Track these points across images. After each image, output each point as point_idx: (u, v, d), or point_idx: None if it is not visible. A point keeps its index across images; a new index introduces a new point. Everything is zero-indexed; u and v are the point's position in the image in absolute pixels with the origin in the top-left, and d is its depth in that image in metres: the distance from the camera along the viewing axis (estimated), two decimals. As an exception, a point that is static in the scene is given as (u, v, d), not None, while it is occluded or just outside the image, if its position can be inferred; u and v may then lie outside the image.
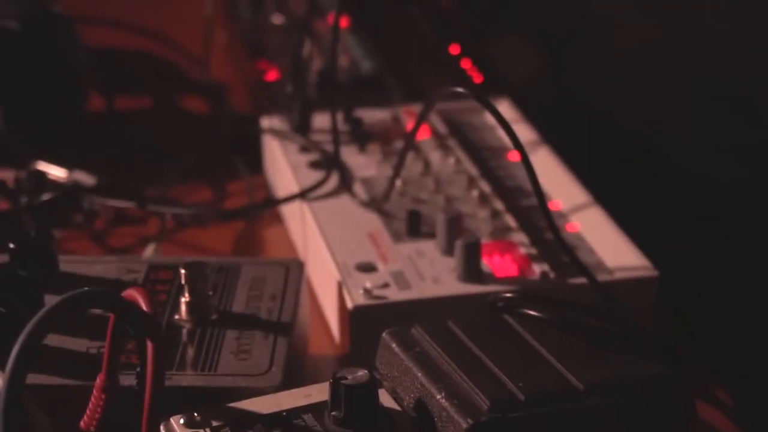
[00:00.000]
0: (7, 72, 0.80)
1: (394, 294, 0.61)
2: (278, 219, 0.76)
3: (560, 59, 0.96)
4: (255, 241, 0.74)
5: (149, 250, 0.69)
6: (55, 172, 0.77)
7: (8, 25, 0.80)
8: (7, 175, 0.77)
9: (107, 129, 0.86)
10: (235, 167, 0.81)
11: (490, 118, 0.80)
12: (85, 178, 0.76)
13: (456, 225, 0.64)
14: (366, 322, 0.60)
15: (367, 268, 0.63)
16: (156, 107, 0.91)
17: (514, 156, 0.75)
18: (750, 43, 0.75)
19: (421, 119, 0.66)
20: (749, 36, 0.75)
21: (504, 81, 0.89)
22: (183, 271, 0.56)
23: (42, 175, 0.76)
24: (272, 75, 0.86)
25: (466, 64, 0.89)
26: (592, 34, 0.93)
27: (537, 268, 0.64)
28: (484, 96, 0.62)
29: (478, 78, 0.87)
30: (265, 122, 0.79)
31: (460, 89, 0.62)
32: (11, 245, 0.59)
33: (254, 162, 0.81)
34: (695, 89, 0.80)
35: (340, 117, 0.78)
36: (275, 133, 0.77)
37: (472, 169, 0.74)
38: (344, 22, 0.92)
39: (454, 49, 0.91)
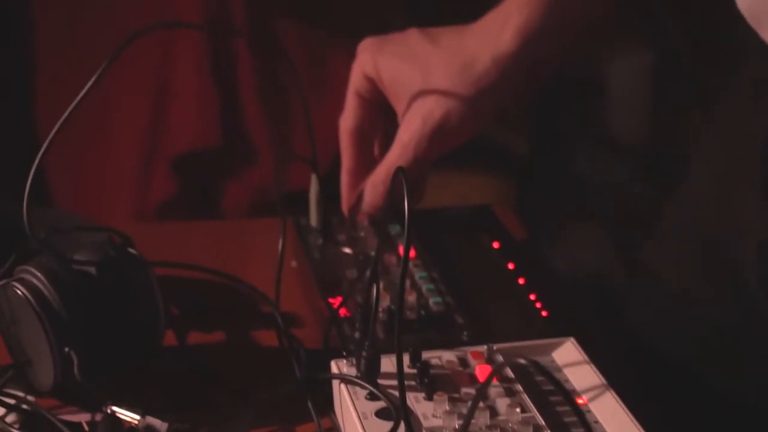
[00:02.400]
0: (83, 318, 0.82)
1: None
2: (348, 464, 0.76)
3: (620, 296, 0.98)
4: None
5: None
6: (128, 416, 0.78)
7: (86, 271, 0.83)
8: (82, 418, 0.79)
9: (180, 366, 0.88)
10: (306, 408, 0.82)
11: (557, 358, 0.81)
12: (158, 424, 0.77)
13: (522, 487, 0.65)
14: None
15: None
16: (228, 342, 0.93)
17: (582, 400, 0.76)
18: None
19: (488, 383, 0.67)
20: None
21: (572, 312, 0.90)
22: None
23: (117, 421, 0.78)
24: (343, 311, 0.87)
25: (532, 296, 0.90)
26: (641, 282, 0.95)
27: None
28: (538, 363, 0.63)
29: (544, 312, 0.88)
30: (335, 366, 0.80)
31: (522, 360, 0.63)
32: None
33: (326, 402, 0.82)
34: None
35: (407, 358, 0.79)
36: (344, 378, 0.78)
37: (539, 418, 0.74)
38: (412, 253, 0.94)
39: (521, 281, 0.92)
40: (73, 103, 0.83)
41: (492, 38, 0.94)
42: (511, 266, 0.95)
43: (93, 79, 0.82)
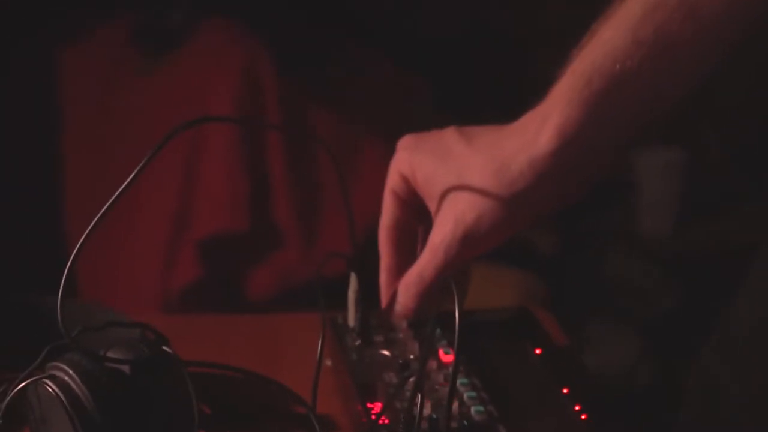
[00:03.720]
0: (115, 418, 0.80)
1: None
2: None
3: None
4: None
5: None
6: None
7: (119, 369, 0.81)
8: None
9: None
10: None
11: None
12: None
13: None
14: None
15: None
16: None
17: None
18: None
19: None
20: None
21: (618, 424, 0.87)
22: None
23: None
24: (382, 418, 0.84)
25: (577, 406, 0.87)
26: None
27: None
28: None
29: (584, 415, 0.85)
30: (374, 477, 0.77)
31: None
32: None
33: None
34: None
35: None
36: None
37: None
38: (453, 358, 0.91)
39: (565, 390, 0.89)
40: (107, 205, 0.81)
41: (529, 139, 0.90)
42: (553, 373, 0.92)
43: (127, 181, 0.81)
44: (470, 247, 0.92)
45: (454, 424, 0.84)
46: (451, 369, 0.89)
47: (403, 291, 0.96)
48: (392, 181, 0.97)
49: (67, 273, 0.82)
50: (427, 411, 0.83)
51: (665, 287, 1.34)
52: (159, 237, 1.71)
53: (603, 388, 0.99)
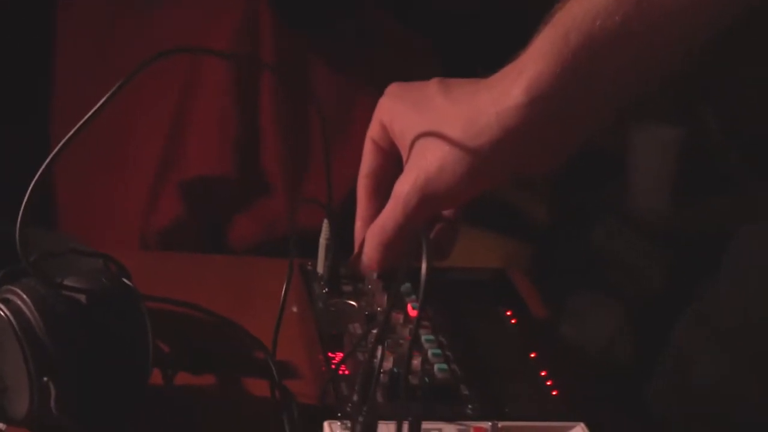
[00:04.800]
0: (66, 347, 0.77)
1: None
2: None
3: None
4: None
5: None
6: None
7: (75, 298, 0.78)
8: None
9: (166, 408, 0.83)
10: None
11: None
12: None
13: None
14: None
15: None
16: (217, 388, 0.88)
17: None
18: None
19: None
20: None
21: (584, 394, 0.85)
22: None
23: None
24: (342, 368, 0.82)
25: (543, 372, 0.85)
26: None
27: None
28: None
29: (555, 391, 0.83)
30: (328, 428, 0.75)
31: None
32: None
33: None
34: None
35: (406, 427, 0.74)
36: (337, 443, 0.73)
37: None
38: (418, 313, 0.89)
39: (533, 355, 0.87)
40: (81, 122, 0.78)
41: (501, 92, 0.86)
42: (523, 338, 0.90)
43: (103, 99, 0.78)
44: (430, 200, 0.89)
45: (415, 381, 0.81)
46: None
47: (368, 240, 0.94)
48: (372, 130, 0.95)
49: (45, 203, 0.79)
50: (389, 365, 0.81)
51: (653, 264, 1.32)
52: (143, 178, 1.69)
53: (573, 356, 0.97)
